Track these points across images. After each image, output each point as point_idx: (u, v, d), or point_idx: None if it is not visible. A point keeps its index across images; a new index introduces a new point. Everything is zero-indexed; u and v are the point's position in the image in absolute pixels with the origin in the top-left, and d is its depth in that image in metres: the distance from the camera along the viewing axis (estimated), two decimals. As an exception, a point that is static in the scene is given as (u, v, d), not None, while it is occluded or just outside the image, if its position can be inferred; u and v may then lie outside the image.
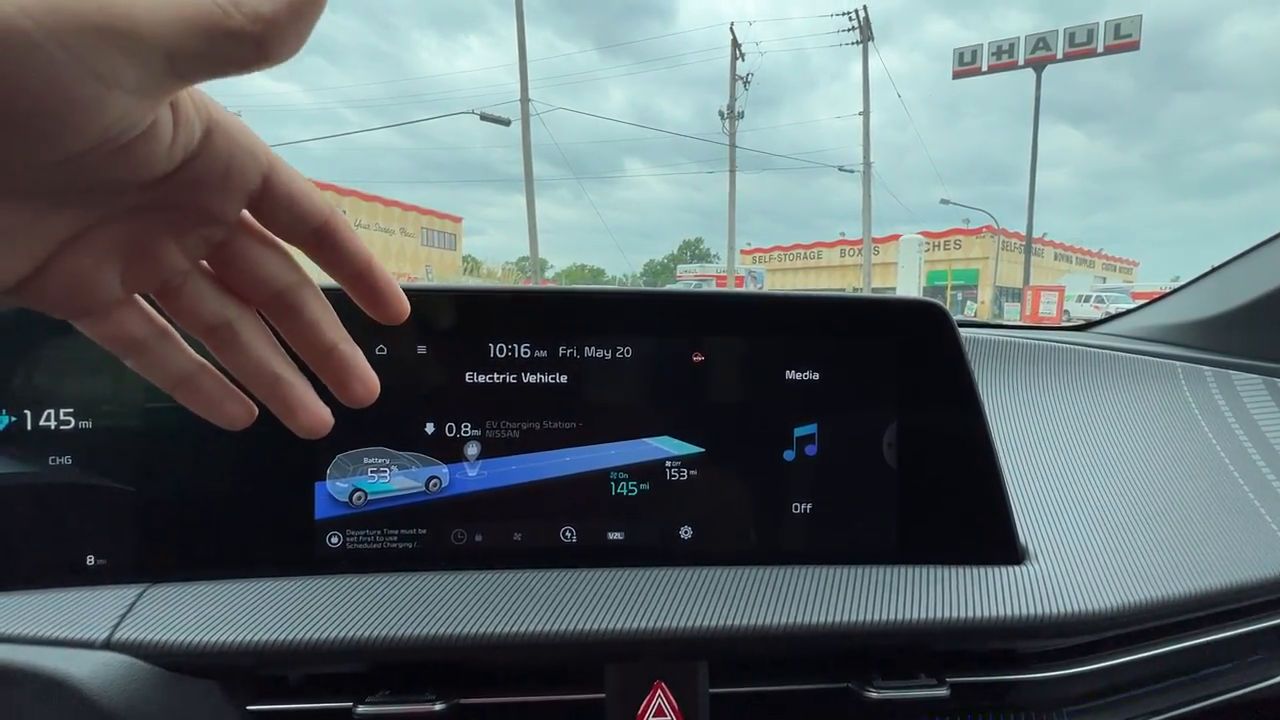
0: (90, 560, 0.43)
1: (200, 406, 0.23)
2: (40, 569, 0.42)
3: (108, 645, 0.38)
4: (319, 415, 0.24)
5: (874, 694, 0.42)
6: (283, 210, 0.21)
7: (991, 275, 24.17)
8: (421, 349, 0.45)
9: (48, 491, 0.43)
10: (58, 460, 0.43)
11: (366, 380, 0.24)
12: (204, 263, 0.22)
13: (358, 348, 0.24)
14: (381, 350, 0.45)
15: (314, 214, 0.22)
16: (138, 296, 0.22)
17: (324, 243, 0.22)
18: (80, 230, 0.19)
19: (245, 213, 0.21)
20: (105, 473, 0.43)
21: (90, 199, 0.19)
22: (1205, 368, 0.67)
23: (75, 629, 0.39)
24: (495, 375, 0.45)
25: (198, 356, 0.23)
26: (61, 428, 0.43)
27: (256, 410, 0.24)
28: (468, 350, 0.45)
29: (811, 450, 0.47)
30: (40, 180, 0.17)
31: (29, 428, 0.43)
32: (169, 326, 0.22)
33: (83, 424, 0.43)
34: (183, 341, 0.23)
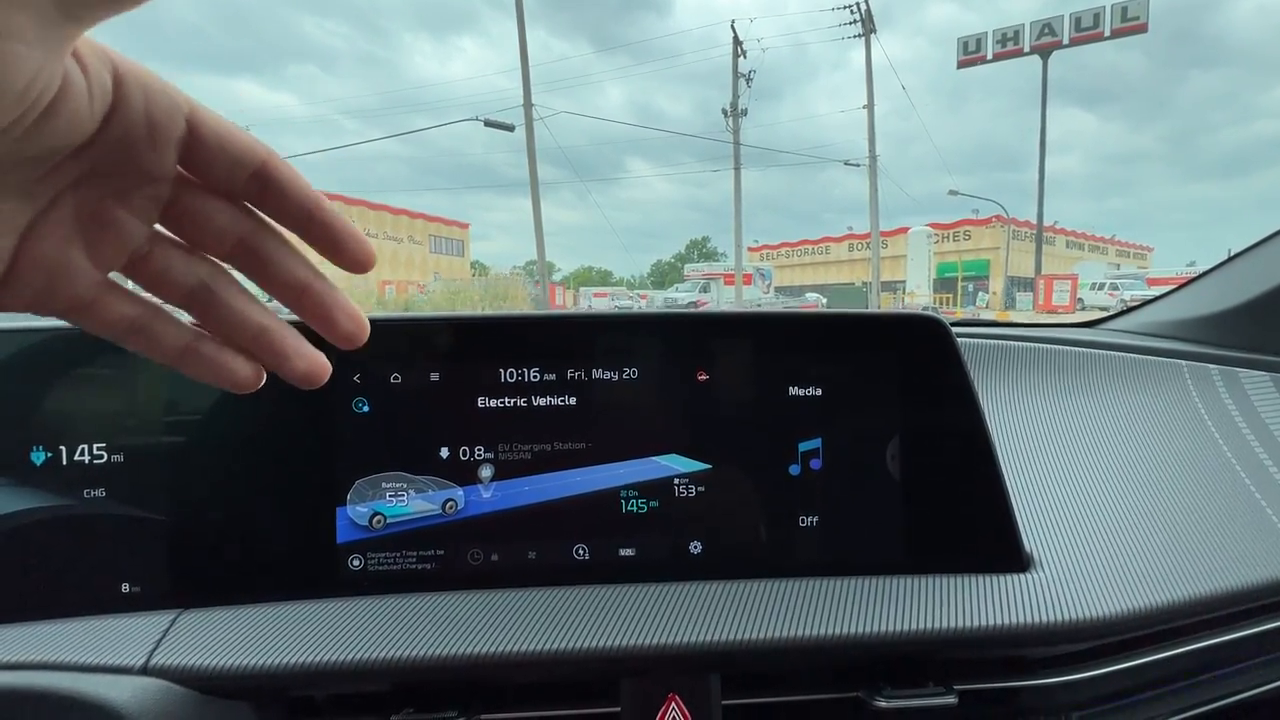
0: (125, 588, 0.45)
1: (207, 374, 0.24)
2: (78, 598, 0.44)
3: (145, 671, 0.40)
4: (313, 360, 0.25)
5: (883, 703, 0.43)
6: (216, 155, 0.21)
7: (1003, 265, 23.94)
8: (435, 376, 0.47)
9: (84, 523, 0.45)
10: (92, 493, 0.45)
11: (353, 314, 0.25)
12: (167, 232, 0.23)
13: (336, 287, 0.24)
14: (396, 378, 0.46)
15: (248, 154, 0.22)
16: (118, 280, 0.22)
17: (268, 186, 0.22)
18: (33, 218, 0.20)
19: (184, 171, 0.22)
20: (137, 504, 0.45)
21: (31, 179, 0.19)
22: (1212, 366, 0.67)
23: (113, 655, 0.40)
24: (506, 399, 0.47)
25: (194, 327, 0.24)
26: (95, 461, 0.45)
27: (264, 370, 0.25)
28: (479, 376, 0.47)
29: (816, 464, 0.48)
30: None
31: (64, 462, 0.45)
32: (158, 303, 0.23)
33: (115, 458, 0.45)
34: (176, 316, 0.24)
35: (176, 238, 0.23)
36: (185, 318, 0.24)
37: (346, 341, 0.25)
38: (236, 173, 0.22)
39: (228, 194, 0.22)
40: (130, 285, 0.23)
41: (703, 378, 0.48)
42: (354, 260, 0.24)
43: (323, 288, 0.24)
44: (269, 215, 0.23)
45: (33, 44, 0.16)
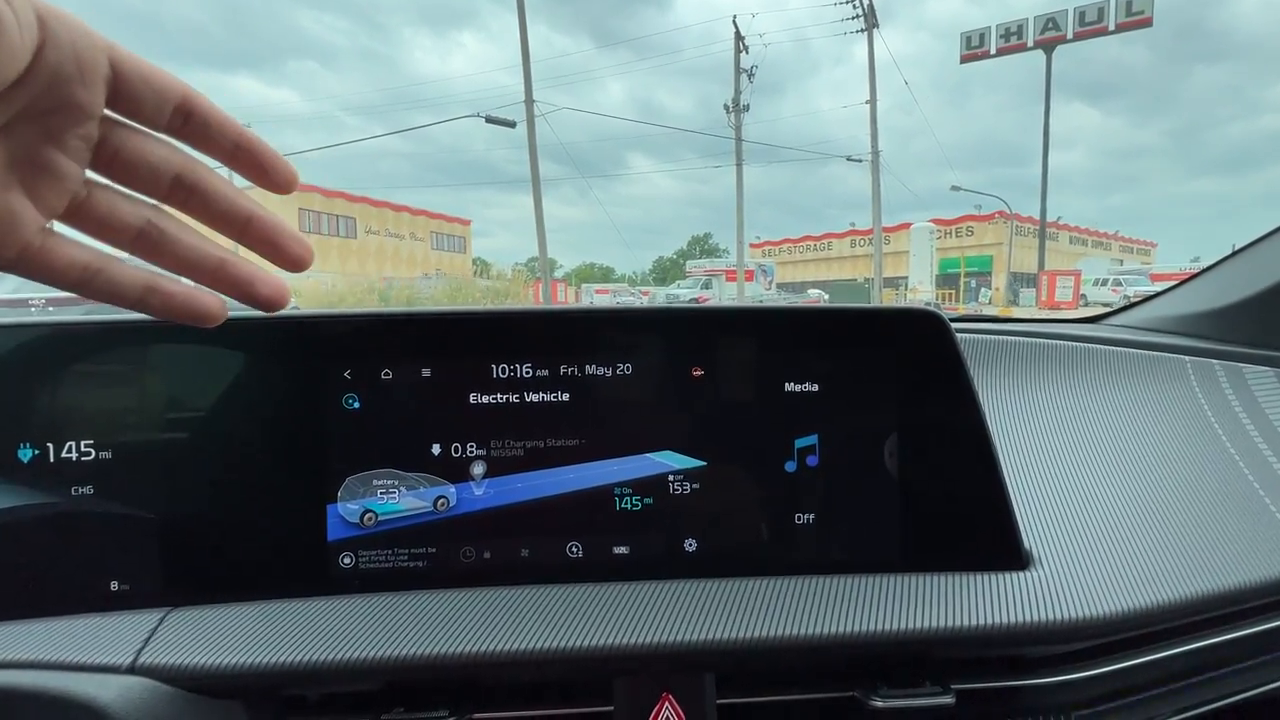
0: (113, 586, 0.44)
1: (174, 309, 0.24)
2: (66, 596, 0.44)
3: (132, 670, 0.39)
4: (276, 284, 0.25)
5: (879, 703, 0.42)
6: (141, 89, 0.22)
7: (1005, 261, 23.87)
8: (425, 372, 0.46)
9: (71, 521, 0.44)
10: (80, 490, 0.44)
11: (299, 238, 0.25)
12: (104, 179, 0.23)
13: (276, 215, 0.25)
14: (387, 374, 0.46)
15: (171, 88, 0.23)
16: (64, 230, 0.23)
17: (192, 119, 0.23)
18: None
19: (110, 114, 0.22)
20: (125, 501, 0.45)
21: None
22: (1215, 361, 0.67)
23: (101, 654, 0.40)
24: (498, 396, 0.46)
25: (151, 266, 0.24)
26: (82, 459, 0.44)
27: (226, 302, 0.25)
28: (471, 372, 0.46)
29: (813, 461, 0.47)
30: None
31: (52, 459, 0.44)
32: (111, 250, 0.24)
33: (103, 455, 0.45)
34: (129, 258, 0.24)
35: (114, 185, 0.23)
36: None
37: (296, 265, 0.25)
38: (162, 106, 0.23)
39: (155, 128, 0.23)
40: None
41: (698, 374, 0.47)
42: (279, 181, 0.25)
43: (266, 215, 0.25)
44: (196, 147, 0.24)
45: None
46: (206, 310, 0.25)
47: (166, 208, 0.24)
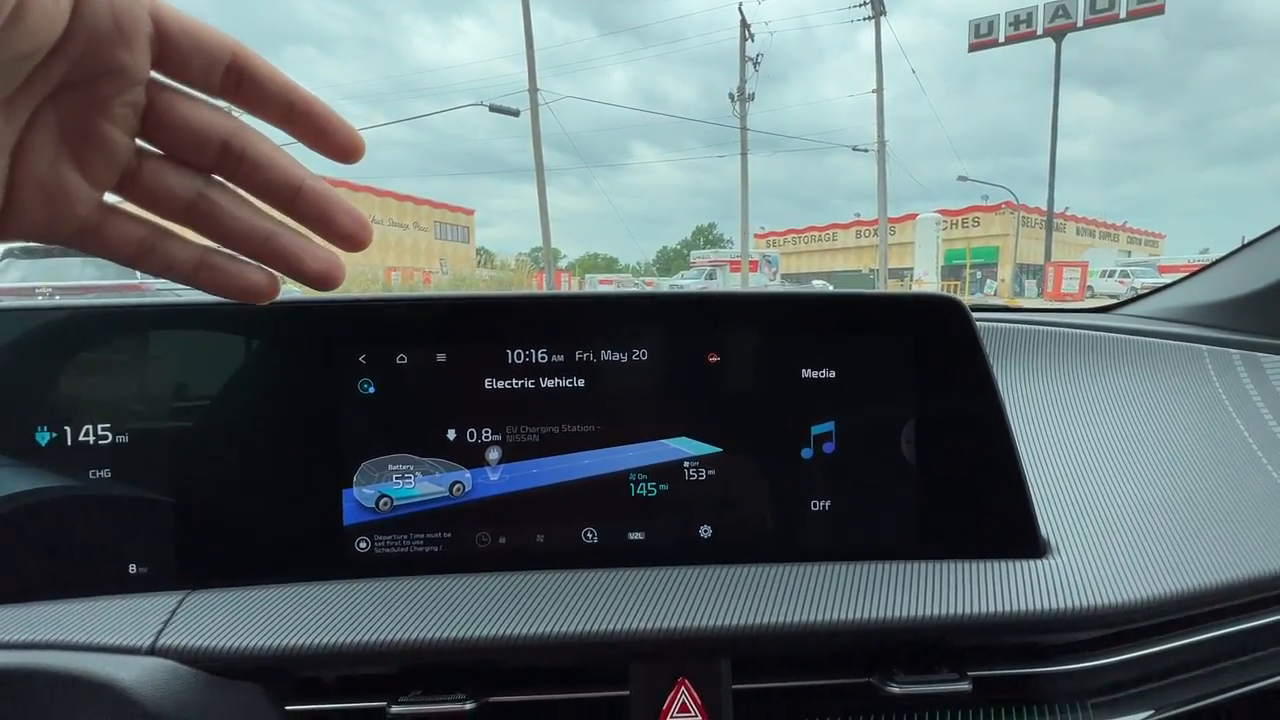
0: (132, 569, 0.44)
1: (224, 286, 0.24)
2: (85, 578, 0.44)
3: (152, 651, 0.40)
4: (327, 259, 0.24)
5: (896, 689, 0.42)
6: (188, 49, 0.21)
7: (1011, 253, 23.72)
8: (441, 357, 0.46)
9: (89, 504, 0.44)
10: (97, 474, 0.44)
11: (352, 212, 0.24)
12: (153, 149, 0.22)
13: (329, 186, 0.24)
14: (402, 359, 0.46)
15: (220, 45, 0.21)
16: (120, 203, 0.22)
17: (244, 77, 0.22)
18: (19, 137, 0.20)
19: (159, 77, 0.21)
20: (143, 484, 0.45)
21: (7, 93, 0.19)
22: (1233, 351, 0.66)
23: (121, 636, 0.40)
24: (514, 381, 0.46)
25: (203, 240, 0.24)
26: (100, 442, 0.45)
27: (278, 278, 0.25)
28: (486, 357, 0.46)
29: (829, 448, 0.47)
30: None
31: (69, 443, 0.44)
32: (164, 223, 0.23)
33: (120, 438, 0.45)
34: (183, 233, 0.23)
35: (163, 155, 0.23)
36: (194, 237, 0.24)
37: (349, 242, 0.24)
38: (211, 67, 0.21)
39: (205, 91, 0.22)
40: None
41: (714, 359, 0.47)
42: (342, 146, 0.23)
43: (318, 185, 0.23)
44: (248, 109, 0.23)
45: None
46: (256, 286, 0.24)
47: (218, 178, 0.23)
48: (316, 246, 0.24)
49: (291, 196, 0.23)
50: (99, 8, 0.19)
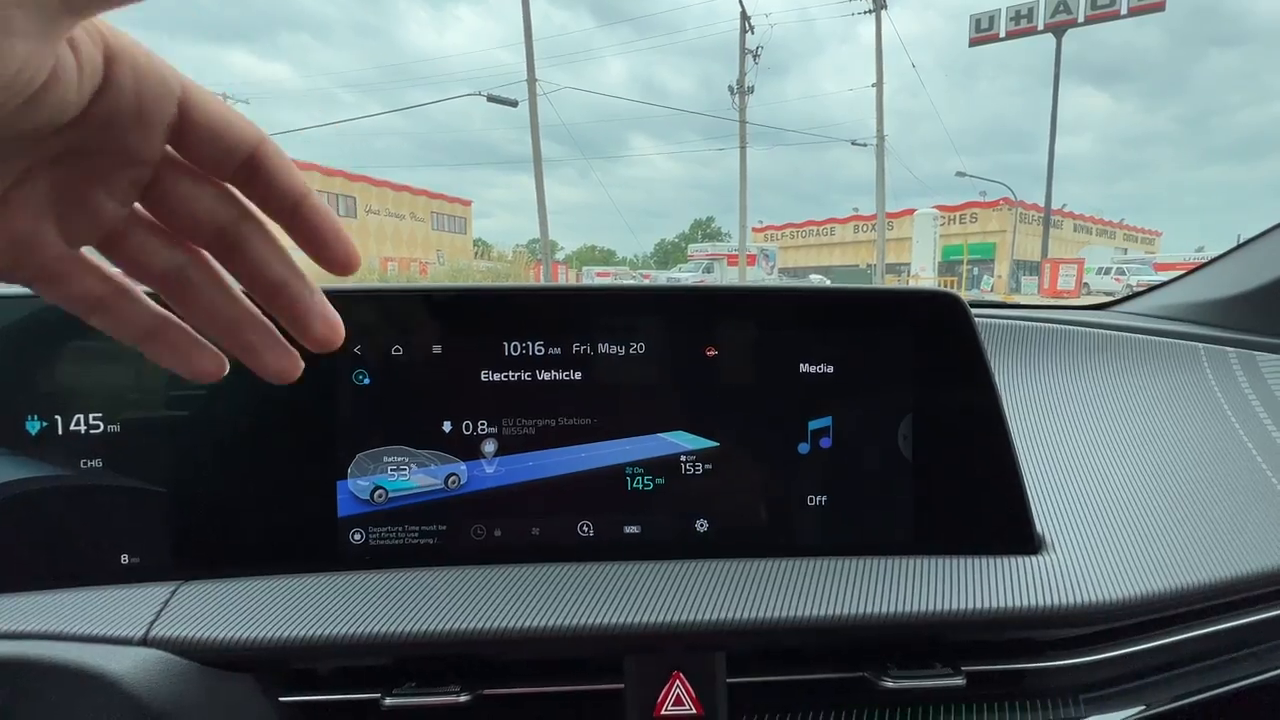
0: (124, 559, 0.44)
1: (169, 359, 0.23)
2: (78, 568, 0.43)
3: (145, 642, 0.39)
4: (284, 358, 0.24)
5: (890, 683, 0.42)
6: (206, 141, 0.20)
7: (1009, 249, 23.75)
8: (437, 349, 0.46)
9: (81, 493, 0.44)
10: (89, 463, 0.44)
11: (328, 318, 0.24)
12: (147, 213, 0.22)
13: (317, 288, 0.23)
14: (397, 351, 0.45)
15: (241, 142, 0.21)
16: (91, 256, 0.22)
17: (256, 175, 0.21)
18: (4, 191, 0.19)
19: (171, 150, 0.21)
20: (135, 474, 0.44)
21: (7, 155, 0.18)
22: (1229, 349, 0.66)
23: (113, 626, 0.40)
24: (510, 373, 0.46)
25: (162, 311, 0.23)
26: (91, 431, 0.44)
27: (227, 362, 0.24)
28: (482, 349, 0.46)
29: (826, 443, 0.47)
30: None
31: (60, 432, 0.44)
32: (128, 283, 0.22)
33: (111, 427, 0.44)
34: (145, 298, 0.23)
35: (156, 221, 0.22)
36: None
37: (318, 345, 0.24)
38: (226, 160, 0.21)
39: (215, 176, 0.21)
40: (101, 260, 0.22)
41: (711, 354, 0.47)
42: (337, 260, 0.23)
43: (299, 288, 0.23)
44: (254, 202, 0.22)
45: (30, 37, 0.15)
46: (199, 370, 0.23)
47: (205, 254, 0.23)
48: (280, 343, 0.24)
49: (272, 293, 0.23)
50: (124, 92, 0.18)
